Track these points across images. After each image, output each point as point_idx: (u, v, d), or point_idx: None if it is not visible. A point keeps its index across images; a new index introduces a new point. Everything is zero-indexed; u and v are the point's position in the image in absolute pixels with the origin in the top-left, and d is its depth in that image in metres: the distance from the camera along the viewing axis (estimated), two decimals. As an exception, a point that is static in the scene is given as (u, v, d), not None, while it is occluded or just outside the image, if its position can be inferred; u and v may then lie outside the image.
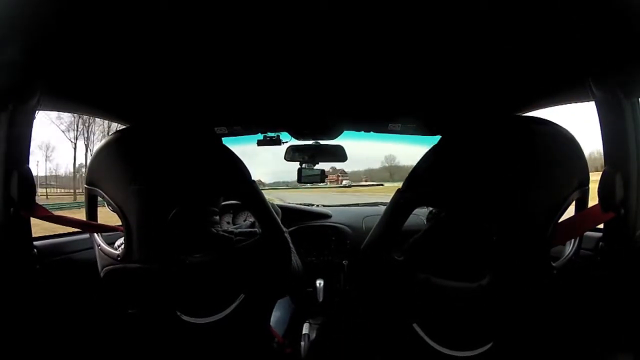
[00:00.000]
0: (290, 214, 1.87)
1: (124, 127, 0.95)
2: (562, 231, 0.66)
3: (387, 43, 0.90)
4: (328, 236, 1.83)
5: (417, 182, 0.67)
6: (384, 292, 0.70)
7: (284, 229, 0.85)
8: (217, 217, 0.98)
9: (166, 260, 0.76)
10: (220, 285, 0.80)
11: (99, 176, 0.78)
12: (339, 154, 1.75)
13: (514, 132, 0.62)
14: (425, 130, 1.61)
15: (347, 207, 2.17)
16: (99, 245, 0.83)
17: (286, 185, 5.61)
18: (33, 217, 0.88)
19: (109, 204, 0.78)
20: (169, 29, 0.81)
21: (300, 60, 1.02)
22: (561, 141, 0.62)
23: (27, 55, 0.79)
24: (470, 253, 0.71)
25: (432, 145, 0.67)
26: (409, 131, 1.61)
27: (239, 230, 0.92)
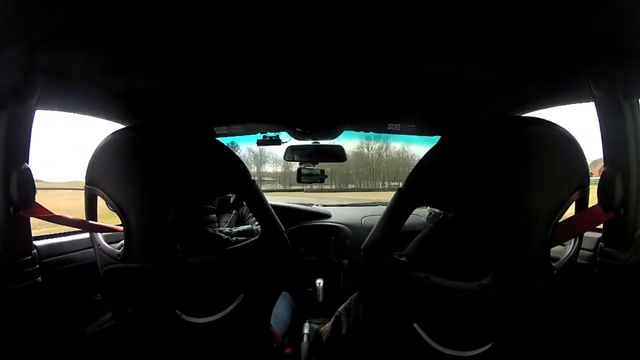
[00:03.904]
0: (290, 213, 1.87)
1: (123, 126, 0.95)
2: (562, 231, 0.66)
3: (387, 43, 0.90)
4: (328, 236, 1.83)
5: (418, 182, 0.67)
6: (384, 291, 0.70)
7: (283, 228, 0.85)
8: (214, 216, 0.98)
9: (166, 259, 0.76)
10: (220, 285, 0.80)
11: (99, 176, 0.78)
12: (338, 154, 1.75)
13: (514, 132, 0.62)
14: (425, 130, 1.62)
15: (346, 207, 2.18)
16: (99, 244, 0.83)
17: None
18: (32, 216, 0.88)
19: (108, 204, 0.77)
20: (169, 29, 0.81)
21: (300, 61, 1.02)
22: (561, 142, 0.62)
23: (27, 55, 0.79)
24: (471, 253, 0.71)
25: (432, 145, 0.67)
26: (409, 131, 1.61)
27: (235, 230, 0.93)
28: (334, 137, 1.70)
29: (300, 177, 1.80)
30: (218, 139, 1.19)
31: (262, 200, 0.82)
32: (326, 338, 0.90)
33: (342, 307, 0.86)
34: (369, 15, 0.77)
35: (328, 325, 0.91)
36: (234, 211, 1.58)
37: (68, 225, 0.89)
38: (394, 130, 1.61)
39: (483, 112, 1.30)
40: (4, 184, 0.84)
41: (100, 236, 0.85)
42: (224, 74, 1.12)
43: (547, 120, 0.62)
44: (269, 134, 1.65)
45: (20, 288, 0.86)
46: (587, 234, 0.81)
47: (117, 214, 0.76)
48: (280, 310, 1.34)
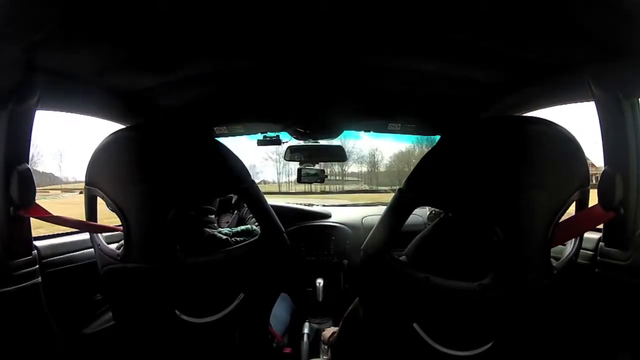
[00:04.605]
0: (290, 213, 1.87)
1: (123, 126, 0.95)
2: (562, 231, 0.66)
3: (387, 42, 0.90)
4: (328, 236, 1.83)
5: (418, 182, 0.67)
6: (384, 291, 0.70)
7: (283, 229, 0.85)
8: (213, 216, 0.98)
9: (166, 260, 0.76)
10: (220, 285, 0.80)
11: (99, 176, 0.78)
12: (338, 154, 1.75)
13: (514, 132, 0.62)
14: (425, 130, 1.62)
15: (346, 207, 2.18)
16: (99, 244, 0.83)
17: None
18: (32, 216, 0.88)
19: (108, 204, 0.78)
20: (169, 29, 0.81)
21: (300, 60, 1.02)
22: (562, 142, 0.62)
23: (27, 55, 0.79)
24: (471, 253, 0.71)
25: (432, 145, 0.67)
26: (409, 131, 1.61)
27: (234, 230, 0.93)
28: (334, 136, 1.70)
29: (301, 177, 1.80)
30: (218, 139, 1.20)
31: (262, 201, 0.82)
32: (338, 348, 0.90)
33: (347, 312, 0.86)
34: (369, 14, 0.77)
35: (336, 335, 0.91)
36: (235, 212, 1.58)
37: (67, 226, 0.90)
38: (394, 130, 1.61)
39: (483, 111, 1.30)
40: (4, 184, 0.84)
41: (100, 236, 0.85)
42: (224, 73, 1.12)
43: (547, 120, 0.62)
44: (269, 134, 1.65)
45: (20, 288, 0.86)
46: (587, 234, 0.81)
47: (117, 214, 0.76)
48: (279, 311, 1.34)
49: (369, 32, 0.85)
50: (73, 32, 0.77)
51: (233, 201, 1.61)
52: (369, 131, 1.70)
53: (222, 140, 1.27)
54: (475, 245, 0.71)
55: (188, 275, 0.78)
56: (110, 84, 1.09)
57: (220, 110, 1.44)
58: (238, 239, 0.89)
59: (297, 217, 1.88)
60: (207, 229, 0.90)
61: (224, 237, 0.88)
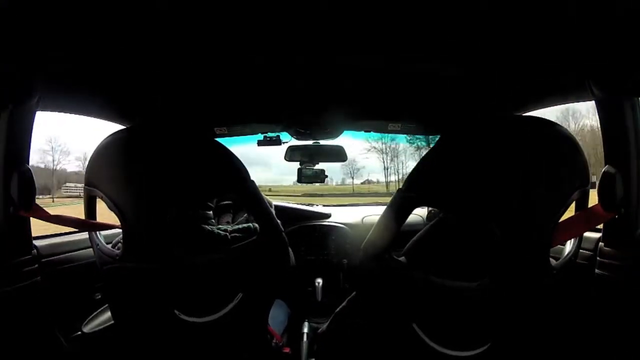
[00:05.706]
0: (291, 213, 1.87)
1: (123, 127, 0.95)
2: (563, 231, 0.66)
3: (388, 42, 0.90)
4: (328, 235, 1.83)
5: (418, 182, 0.67)
6: (383, 291, 0.70)
7: (282, 229, 0.85)
8: (210, 212, 0.98)
9: (164, 260, 0.76)
10: (219, 284, 0.80)
11: (98, 177, 0.78)
12: (339, 154, 1.74)
13: (514, 132, 0.62)
14: (425, 130, 1.62)
15: (346, 207, 2.18)
16: (98, 244, 0.83)
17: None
18: (32, 216, 0.88)
19: (108, 205, 0.78)
20: (169, 29, 0.82)
21: (300, 60, 1.02)
22: (562, 141, 0.62)
23: (27, 55, 0.79)
24: (471, 252, 0.71)
25: (432, 146, 0.67)
26: (409, 131, 1.61)
27: (233, 227, 0.92)
28: (334, 137, 1.70)
29: (301, 177, 1.79)
30: (218, 139, 1.19)
31: (261, 201, 0.81)
32: (324, 339, 0.90)
33: (339, 307, 0.86)
34: (370, 15, 0.77)
35: (325, 326, 0.91)
36: (246, 214, 1.57)
37: (67, 226, 0.90)
38: (394, 130, 1.61)
39: (483, 111, 1.30)
40: (4, 184, 0.85)
41: (99, 236, 0.85)
42: (224, 74, 1.13)
43: (547, 120, 0.62)
44: (270, 134, 1.65)
45: (20, 287, 0.86)
46: (587, 234, 0.81)
47: (116, 214, 0.76)
48: (278, 310, 1.34)
49: (369, 32, 0.85)
50: (73, 32, 0.77)
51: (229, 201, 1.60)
52: (369, 131, 1.70)
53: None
54: (475, 245, 0.71)
55: (187, 275, 0.78)
56: (110, 85, 1.09)
57: (220, 110, 1.44)
58: (237, 235, 0.88)
59: (298, 217, 1.88)
60: (206, 226, 0.89)
61: (223, 233, 0.88)
